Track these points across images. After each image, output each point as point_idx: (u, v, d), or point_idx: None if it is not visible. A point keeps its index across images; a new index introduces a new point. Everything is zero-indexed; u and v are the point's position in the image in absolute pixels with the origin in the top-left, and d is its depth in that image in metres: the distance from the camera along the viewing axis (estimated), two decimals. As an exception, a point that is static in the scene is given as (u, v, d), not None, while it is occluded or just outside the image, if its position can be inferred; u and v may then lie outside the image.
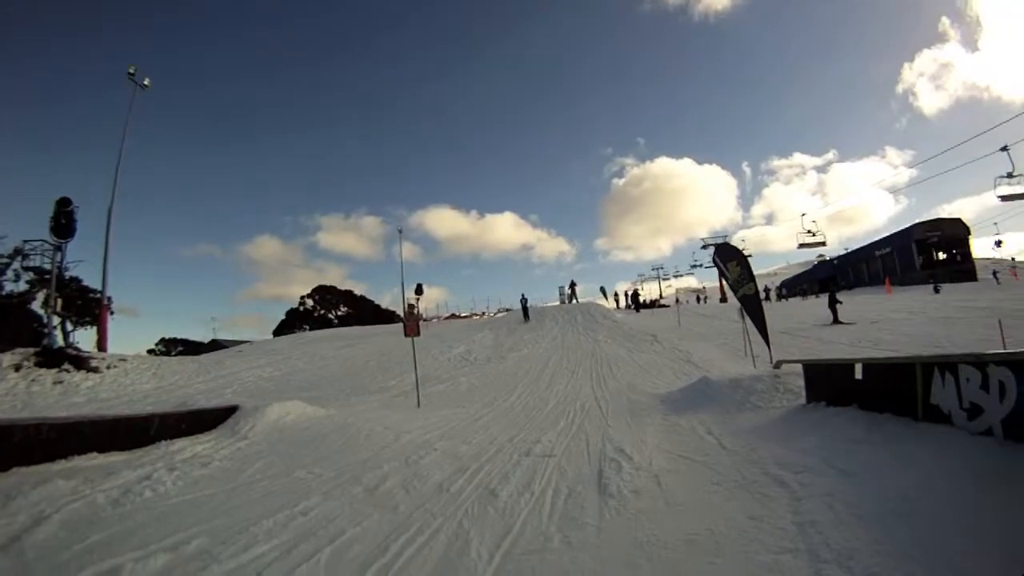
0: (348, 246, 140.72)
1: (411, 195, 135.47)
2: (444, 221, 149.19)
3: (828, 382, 7.79)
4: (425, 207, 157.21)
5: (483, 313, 50.75)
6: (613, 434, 7.90)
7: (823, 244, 47.61)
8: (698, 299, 53.23)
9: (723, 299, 42.82)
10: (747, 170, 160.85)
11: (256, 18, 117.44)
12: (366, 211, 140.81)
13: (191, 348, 51.56)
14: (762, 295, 16.06)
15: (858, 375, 6.89)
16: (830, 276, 58.43)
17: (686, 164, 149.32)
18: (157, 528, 4.55)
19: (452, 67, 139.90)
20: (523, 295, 32.34)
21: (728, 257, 14.07)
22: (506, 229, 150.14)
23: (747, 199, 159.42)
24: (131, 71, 23.96)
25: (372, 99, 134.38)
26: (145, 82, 24.70)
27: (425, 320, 40.41)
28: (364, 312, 56.21)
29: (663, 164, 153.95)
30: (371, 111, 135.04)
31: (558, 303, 40.92)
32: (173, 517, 4.84)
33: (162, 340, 57.67)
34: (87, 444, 6.64)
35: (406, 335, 13.04)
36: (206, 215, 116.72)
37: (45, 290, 20.53)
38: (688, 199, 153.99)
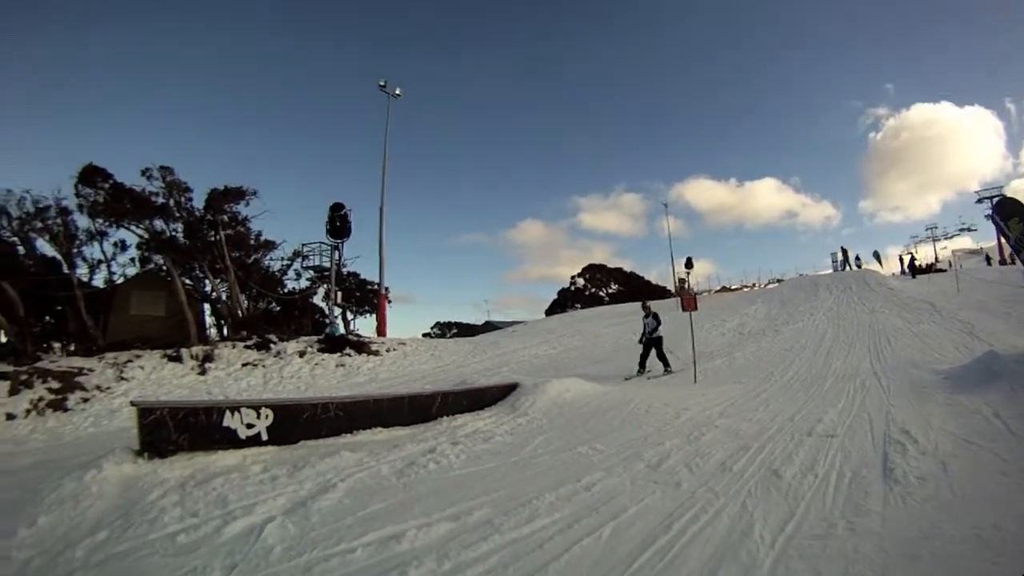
0: (611, 224, 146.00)
1: (667, 169, 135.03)
2: (703, 192, 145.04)
3: None
4: (683, 180, 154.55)
5: (753, 285, 52.37)
6: (896, 414, 7.83)
7: None
8: (988, 261, 45.01)
9: (1004, 261, 39.32)
10: (1011, 107, 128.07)
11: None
12: (624, 188, 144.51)
13: (465, 330, 57.51)
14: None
15: None
16: None
17: (945, 108, 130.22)
18: (439, 498, 5.12)
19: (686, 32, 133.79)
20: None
21: (1009, 213, 13.50)
22: (767, 196, 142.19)
23: (1014, 142, 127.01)
24: (382, 84, 28.41)
25: (615, 75, 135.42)
26: (397, 91, 29.00)
27: (696, 294, 40.38)
28: (634, 289, 57.55)
29: (919, 111, 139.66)
30: (613, 88, 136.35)
31: (830, 271, 41.20)
32: (455, 488, 5.44)
33: (437, 324, 65.71)
34: (371, 420, 7.84)
35: (683, 309, 14.44)
36: (470, 207, 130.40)
37: (325, 285, 24.88)
38: (952, 148, 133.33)
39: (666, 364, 14.35)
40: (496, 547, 4.18)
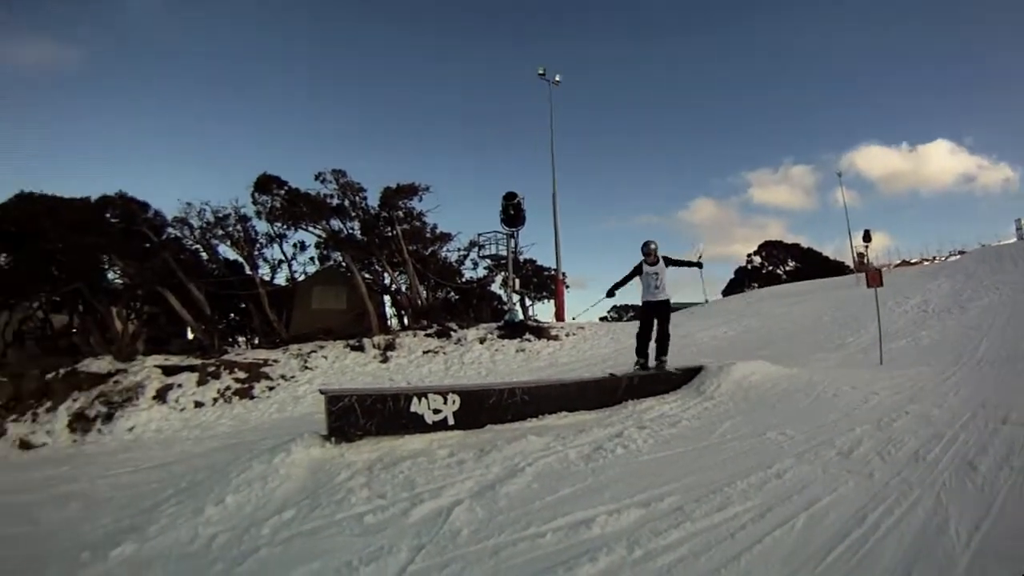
0: (782, 199, 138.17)
1: (834, 137, 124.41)
2: (874, 159, 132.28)
3: None
4: (852, 147, 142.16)
5: (934, 258, 51.07)
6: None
7: None
8: None
9: None
10: None
11: None
12: (792, 161, 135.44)
13: (642, 313, 57.22)
14: None
15: None
16: None
17: None
18: (628, 484, 5.11)
19: None
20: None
21: None
22: (940, 159, 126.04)
23: None
24: (541, 72, 29.68)
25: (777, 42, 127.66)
26: (556, 79, 29.98)
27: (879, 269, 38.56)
28: (812, 265, 55.39)
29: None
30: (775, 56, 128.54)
31: (1014, 240, 39.86)
32: (644, 474, 5.42)
33: (613, 307, 65.77)
34: (557, 404, 7.97)
35: (868, 286, 14.11)
36: (640, 189, 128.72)
37: (503, 273, 25.73)
38: None
39: (665, 350, 10.15)
40: (687, 535, 4.15)
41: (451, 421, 7.11)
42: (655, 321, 10.07)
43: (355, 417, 6.62)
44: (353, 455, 6.25)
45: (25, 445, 14.38)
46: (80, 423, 14.48)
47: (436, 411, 7.05)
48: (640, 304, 10.34)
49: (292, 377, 15.52)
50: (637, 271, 10.06)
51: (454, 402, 7.19)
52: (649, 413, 7.84)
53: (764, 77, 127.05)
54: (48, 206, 21.51)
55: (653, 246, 10.06)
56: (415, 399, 6.97)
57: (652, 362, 10.02)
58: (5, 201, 22.43)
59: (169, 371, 15.67)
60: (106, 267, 22.06)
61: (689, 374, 9.60)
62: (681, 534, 4.17)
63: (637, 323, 10.59)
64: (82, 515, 8.52)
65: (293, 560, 4.49)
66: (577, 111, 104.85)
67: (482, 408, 7.41)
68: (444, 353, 17.39)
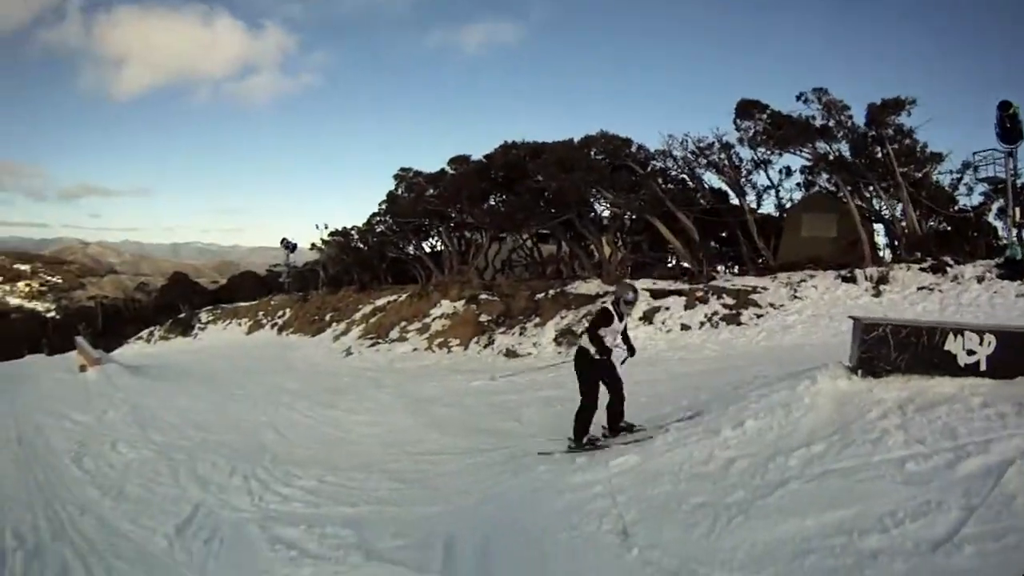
0: None
1: None
2: None
3: None
4: None
5: None
6: None
7: None
8: None
9: None
10: None
11: None
12: None
13: None
14: None
15: None
16: None
17: None
18: None
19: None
20: None
21: None
22: None
23: None
24: None
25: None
26: None
27: None
28: None
29: None
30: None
31: None
32: None
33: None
34: None
35: None
36: None
37: (1001, 199, 21.56)
38: None
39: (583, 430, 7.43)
40: None
41: (983, 366, 6.18)
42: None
43: (886, 350, 6.18)
44: (882, 391, 5.85)
45: (511, 354, 17.10)
46: (566, 338, 16.72)
47: (970, 352, 6.18)
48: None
49: (781, 306, 15.54)
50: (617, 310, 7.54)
51: (989, 344, 6.24)
52: None
53: None
54: (531, 150, 24.81)
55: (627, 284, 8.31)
56: (951, 336, 6.24)
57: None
58: (492, 152, 26.62)
59: (656, 294, 16.96)
60: (593, 200, 24.28)
61: None
62: None
63: None
64: (564, 418, 9.58)
65: (827, 499, 4.48)
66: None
67: (1020, 355, 6.25)
68: (940, 291, 15.56)
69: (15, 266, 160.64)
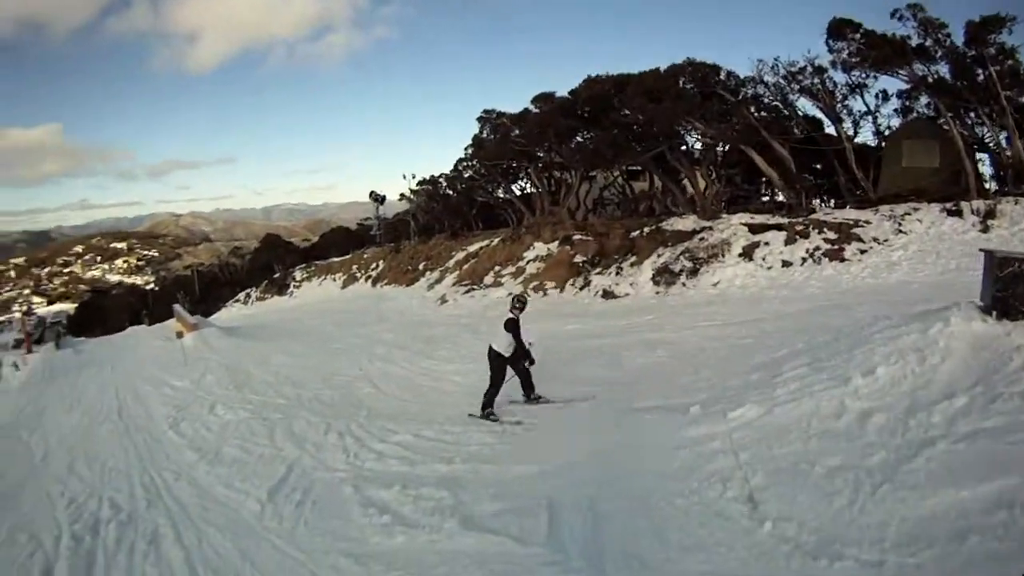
0: None
1: None
2: None
3: None
4: None
5: None
6: None
7: None
8: None
9: None
10: None
11: None
12: None
13: None
14: None
15: None
16: None
17: None
18: None
19: None
20: None
21: None
22: None
23: None
24: None
25: None
26: None
27: None
28: None
29: None
30: None
31: None
32: None
33: None
34: None
35: None
36: None
37: None
38: None
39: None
40: None
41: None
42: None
43: (1023, 288, 5.42)
44: (1020, 336, 5.06)
45: (608, 295, 16.99)
46: (663, 276, 16.41)
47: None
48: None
49: (885, 240, 15.03)
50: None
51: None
52: None
53: None
54: (616, 83, 23.99)
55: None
56: (1097, 272, 5.44)
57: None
58: (576, 87, 25.91)
59: (755, 229, 16.52)
60: (683, 132, 23.39)
61: None
62: None
63: None
64: (668, 363, 9.47)
65: (982, 465, 3.92)
66: None
67: None
68: (1052, 226, 14.59)
69: (112, 245, 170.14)
